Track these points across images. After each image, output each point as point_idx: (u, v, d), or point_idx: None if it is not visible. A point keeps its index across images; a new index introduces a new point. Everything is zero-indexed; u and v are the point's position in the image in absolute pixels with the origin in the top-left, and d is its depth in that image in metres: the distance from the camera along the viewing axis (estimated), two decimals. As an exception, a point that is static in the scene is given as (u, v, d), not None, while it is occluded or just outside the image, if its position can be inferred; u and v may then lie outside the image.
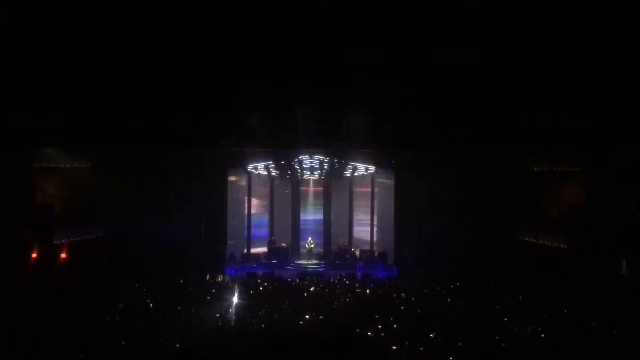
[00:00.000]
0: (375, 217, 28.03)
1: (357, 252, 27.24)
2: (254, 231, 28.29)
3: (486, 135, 21.35)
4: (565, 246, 21.03)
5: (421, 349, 11.07)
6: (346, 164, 25.66)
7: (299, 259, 26.60)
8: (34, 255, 20.00)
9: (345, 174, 27.15)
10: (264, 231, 28.80)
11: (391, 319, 13.44)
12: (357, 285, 19.27)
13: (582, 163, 23.14)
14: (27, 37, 14.56)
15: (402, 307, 15.30)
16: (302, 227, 27.68)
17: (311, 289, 18.23)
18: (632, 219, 19.36)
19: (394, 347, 11.25)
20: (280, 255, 26.66)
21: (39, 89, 17.44)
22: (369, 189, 28.37)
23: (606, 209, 20.86)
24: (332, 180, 27.31)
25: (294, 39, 15.13)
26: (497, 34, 15.38)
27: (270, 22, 14.18)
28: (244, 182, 28.27)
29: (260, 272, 22.04)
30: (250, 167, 26.72)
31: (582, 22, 14.54)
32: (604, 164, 21.59)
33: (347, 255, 26.69)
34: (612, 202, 20.80)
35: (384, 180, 27.46)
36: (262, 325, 13.10)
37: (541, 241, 22.41)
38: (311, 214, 28.27)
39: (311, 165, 25.76)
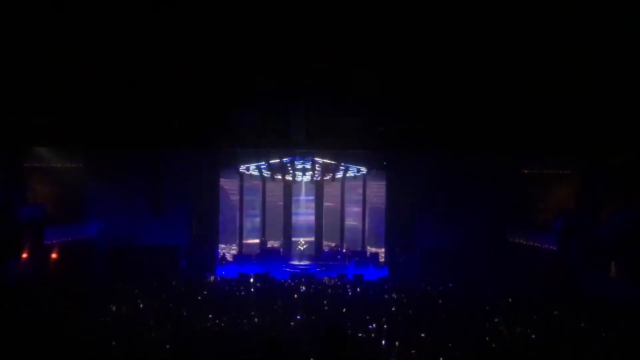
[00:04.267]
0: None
1: (349, 253, 27.30)
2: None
3: (479, 138, 21.53)
4: (555, 248, 21.23)
5: (412, 351, 11.14)
6: (338, 166, 25.73)
7: (291, 259, 26.66)
8: (25, 255, 19.94)
9: (337, 176, 27.22)
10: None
11: (382, 319, 13.50)
12: (348, 286, 19.33)
13: (573, 166, 23.32)
14: (19, 36, 14.50)
15: (393, 308, 15.37)
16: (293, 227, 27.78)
17: (302, 289, 18.29)
18: (621, 222, 19.52)
19: (385, 348, 11.32)
20: (272, 255, 26.71)
21: (31, 88, 17.37)
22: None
23: (596, 211, 21.03)
24: (324, 181, 27.37)
25: (289, 41, 15.15)
26: (491, 35, 15.46)
27: (266, 23, 14.18)
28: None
29: (252, 273, 22.00)
30: (242, 168, 26.73)
31: (576, 26, 14.65)
32: (595, 167, 21.76)
33: (338, 256, 26.77)
34: (602, 205, 20.97)
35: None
36: (254, 326, 13.14)
37: (532, 243, 22.59)
38: (303, 215, 28.35)
39: (303, 166, 25.81)
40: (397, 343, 11.49)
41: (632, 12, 13.09)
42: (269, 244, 28.31)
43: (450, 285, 19.75)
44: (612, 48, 15.30)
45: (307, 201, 28.55)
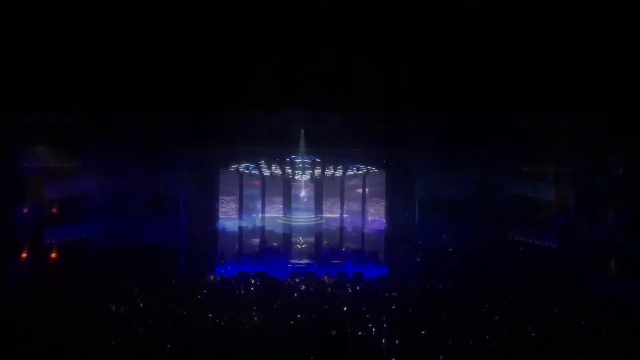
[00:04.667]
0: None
1: (349, 252, 27.27)
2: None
3: (479, 137, 21.55)
4: (555, 246, 21.22)
5: (412, 350, 11.15)
6: (337, 164, 25.71)
7: (290, 258, 26.63)
8: (24, 255, 19.92)
9: (336, 174, 27.21)
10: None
11: (382, 318, 13.50)
12: (348, 285, 19.33)
13: (573, 165, 23.26)
14: (19, 35, 14.49)
15: (393, 307, 15.37)
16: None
17: (302, 288, 18.28)
18: (621, 221, 19.50)
19: (385, 347, 11.32)
20: (271, 254, 26.68)
21: (30, 87, 17.36)
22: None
23: (596, 210, 21.00)
24: (323, 180, 27.38)
25: (289, 41, 15.15)
26: (491, 35, 15.46)
27: (266, 23, 14.18)
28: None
29: (251, 272, 21.97)
30: (242, 167, 26.71)
31: (576, 26, 14.65)
32: (595, 167, 21.71)
33: (338, 255, 26.74)
34: (602, 204, 20.94)
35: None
36: (254, 325, 13.14)
37: (532, 241, 22.57)
38: (303, 214, 28.38)
39: (303, 164, 25.79)
40: (397, 342, 11.49)
41: (632, 12, 13.10)
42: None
43: (450, 283, 19.75)
44: (612, 48, 15.30)
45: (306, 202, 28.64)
